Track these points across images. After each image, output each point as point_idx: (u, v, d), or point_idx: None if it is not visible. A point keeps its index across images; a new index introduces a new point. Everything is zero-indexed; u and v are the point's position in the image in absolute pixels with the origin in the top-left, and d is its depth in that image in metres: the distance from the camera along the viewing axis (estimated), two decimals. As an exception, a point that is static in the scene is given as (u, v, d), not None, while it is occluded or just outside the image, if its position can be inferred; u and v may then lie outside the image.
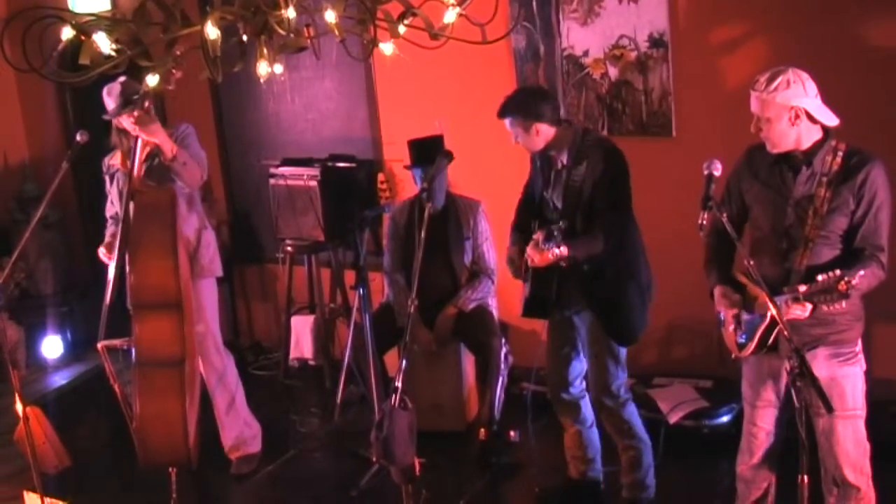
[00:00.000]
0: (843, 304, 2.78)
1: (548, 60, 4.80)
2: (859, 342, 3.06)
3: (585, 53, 4.69)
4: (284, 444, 4.92)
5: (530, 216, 3.73)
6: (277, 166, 5.53)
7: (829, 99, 2.98)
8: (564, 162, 3.58)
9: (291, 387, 5.68)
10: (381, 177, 5.33)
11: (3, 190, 6.28)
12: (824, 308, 2.82)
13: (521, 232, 3.73)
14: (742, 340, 3.09)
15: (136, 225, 3.92)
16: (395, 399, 2.99)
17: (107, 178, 4.37)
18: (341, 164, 5.40)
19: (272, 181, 5.50)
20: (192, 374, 4.06)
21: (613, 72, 4.63)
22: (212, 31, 2.69)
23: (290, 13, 2.73)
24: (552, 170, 3.65)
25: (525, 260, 3.58)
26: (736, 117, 3.38)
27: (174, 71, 3.00)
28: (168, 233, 3.94)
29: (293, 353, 5.69)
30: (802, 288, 2.83)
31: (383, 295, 4.97)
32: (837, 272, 2.71)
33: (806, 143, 2.96)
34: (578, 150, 3.54)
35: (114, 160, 4.32)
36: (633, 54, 4.54)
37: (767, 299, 2.77)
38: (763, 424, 3.22)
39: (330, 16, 2.78)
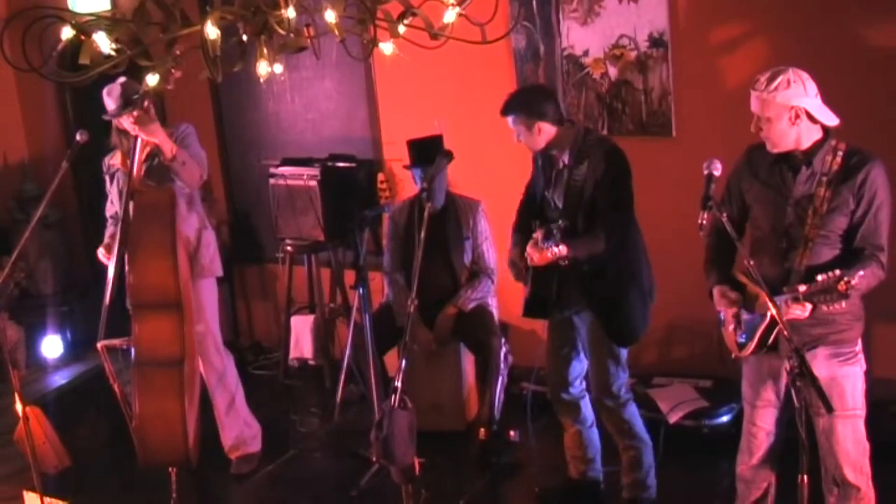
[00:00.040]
0: (843, 303, 2.79)
1: (548, 60, 4.80)
2: (859, 342, 3.06)
3: (585, 53, 4.68)
4: (284, 443, 4.91)
5: (531, 217, 3.71)
6: (277, 166, 5.52)
7: (829, 99, 2.98)
8: (566, 161, 3.58)
9: (291, 387, 5.68)
10: (380, 177, 5.33)
11: (2, 190, 6.28)
12: (824, 308, 2.82)
13: (522, 234, 3.71)
14: (742, 340, 3.09)
15: (136, 224, 3.92)
16: (394, 399, 2.99)
17: (107, 178, 4.38)
18: (341, 164, 5.40)
19: (272, 181, 5.50)
20: (192, 373, 4.07)
21: (613, 71, 4.63)
22: (212, 31, 2.69)
23: (290, 13, 2.73)
24: (554, 169, 3.65)
25: (526, 261, 3.58)
26: (736, 117, 3.38)
27: (174, 71, 2.99)
28: (167, 232, 3.95)
29: (293, 353, 5.68)
30: (802, 288, 2.83)
31: (383, 295, 4.96)
32: (837, 272, 2.71)
33: (806, 143, 2.96)
34: (580, 150, 3.54)
35: (114, 160, 4.32)
36: (633, 54, 4.54)
37: (767, 299, 2.77)
38: (763, 424, 3.22)
39: (330, 16, 2.78)
